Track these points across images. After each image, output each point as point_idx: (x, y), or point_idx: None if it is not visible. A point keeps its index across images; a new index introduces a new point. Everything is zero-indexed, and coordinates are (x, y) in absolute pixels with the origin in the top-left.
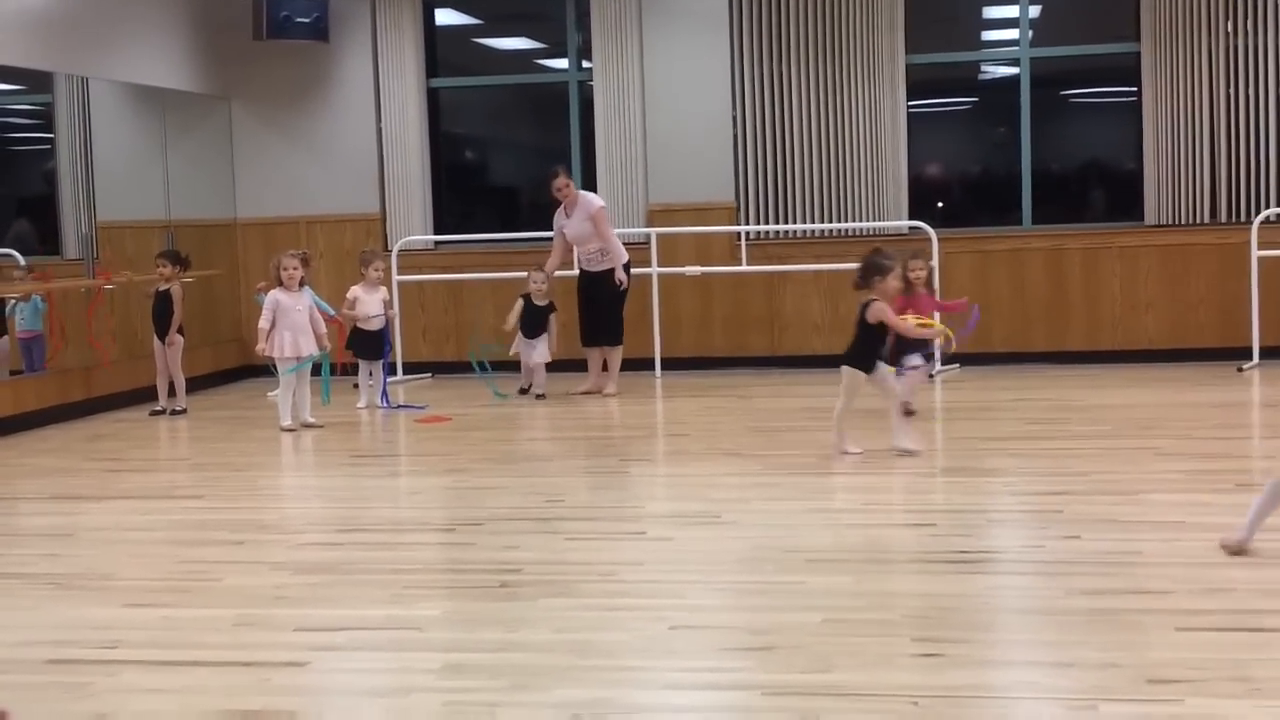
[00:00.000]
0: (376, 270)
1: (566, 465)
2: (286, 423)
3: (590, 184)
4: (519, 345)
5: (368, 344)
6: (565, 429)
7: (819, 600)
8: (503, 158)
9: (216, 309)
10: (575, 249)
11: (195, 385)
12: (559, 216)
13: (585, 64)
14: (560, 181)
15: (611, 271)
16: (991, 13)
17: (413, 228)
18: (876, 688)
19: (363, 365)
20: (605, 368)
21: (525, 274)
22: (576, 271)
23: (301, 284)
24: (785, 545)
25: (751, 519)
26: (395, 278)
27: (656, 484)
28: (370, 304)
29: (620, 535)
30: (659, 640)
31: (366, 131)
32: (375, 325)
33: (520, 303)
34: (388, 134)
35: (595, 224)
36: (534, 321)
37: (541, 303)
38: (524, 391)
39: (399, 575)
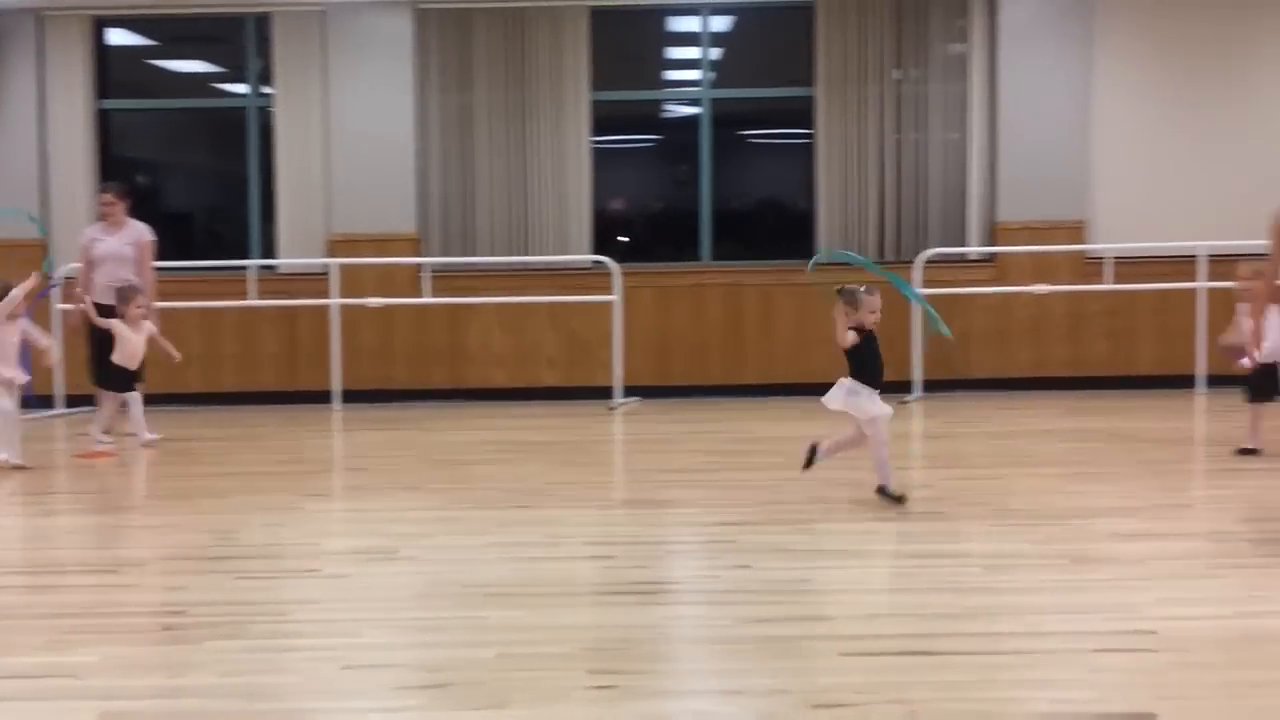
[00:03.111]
0: (139, 308)
1: (239, 501)
2: None
3: (270, 212)
4: (847, 397)
5: (126, 380)
6: (239, 464)
7: (496, 635)
8: (178, 183)
9: None
10: (95, 275)
11: None
12: (93, 231)
13: (266, 89)
14: (107, 199)
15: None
16: (674, 53)
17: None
18: None
19: (113, 398)
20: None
21: (862, 291)
22: (87, 303)
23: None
24: (463, 580)
25: (430, 554)
26: (58, 306)
27: (333, 520)
28: (137, 344)
29: (294, 573)
30: (331, 681)
31: (28, 153)
32: (135, 364)
33: (854, 337)
34: (54, 156)
35: (141, 254)
36: (877, 360)
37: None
38: (887, 493)
39: (55, 620)
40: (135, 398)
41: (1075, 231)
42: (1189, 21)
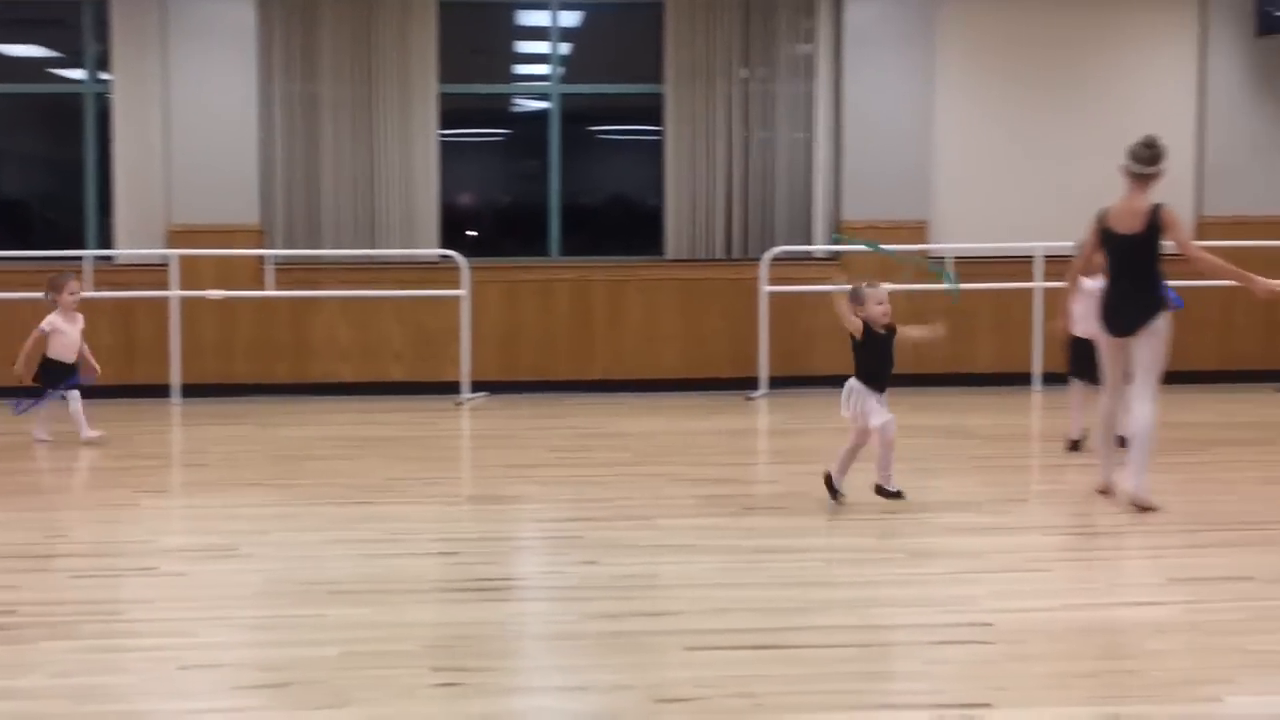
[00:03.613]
0: (72, 294)
1: (73, 498)
2: None
3: (107, 202)
4: (850, 398)
5: (64, 375)
6: (73, 460)
7: (338, 633)
8: (11, 170)
9: None
10: None
11: None
12: None
13: (104, 75)
14: None
15: None
16: (524, 47)
17: None
18: None
19: (52, 393)
20: None
21: (864, 286)
22: None
23: None
24: (304, 577)
25: (270, 551)
26: None
27: (171, 517)
28: (72, 334)
29: (129, 571)
30: (168, 681)
31: None
32: (73, 356)
33: (858, 323)
34: None
35: None
36: (886, 359)
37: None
38: (886, 492)
39: None
40: (74, 395)
41: (917, 231)
42: (1028, 27)
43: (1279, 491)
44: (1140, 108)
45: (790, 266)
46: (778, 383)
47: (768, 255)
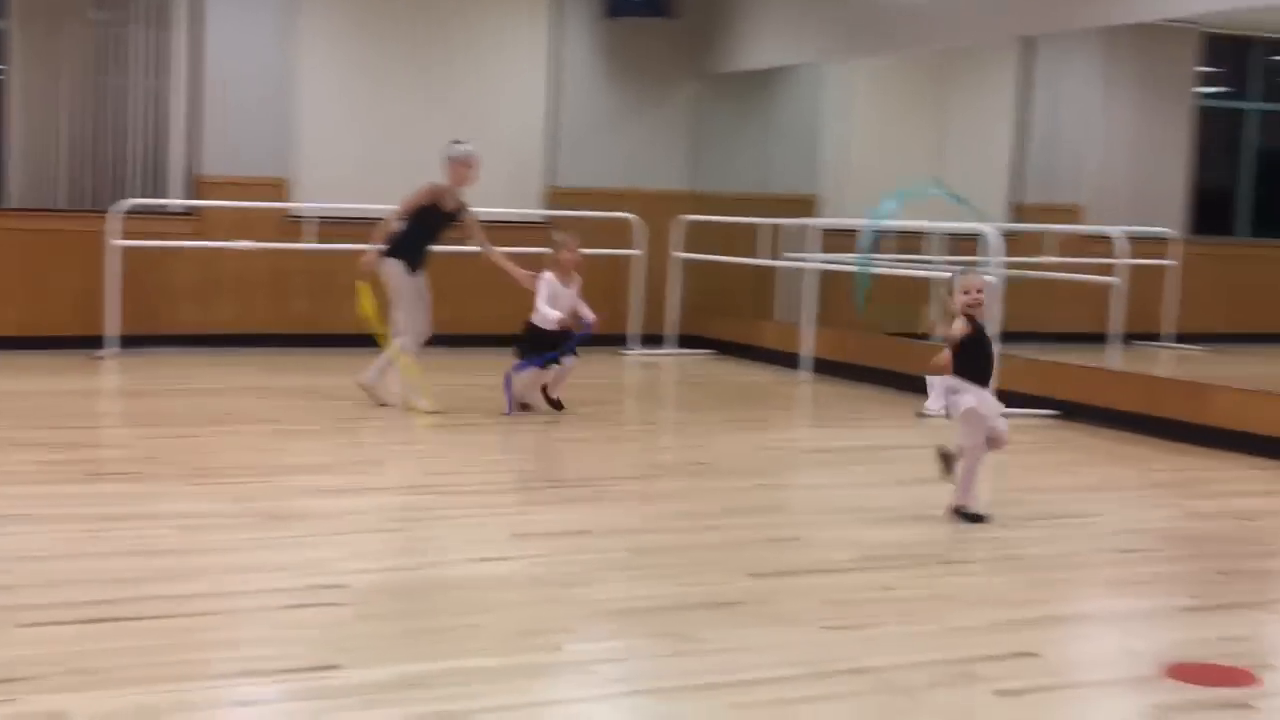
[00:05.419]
0: None
1: None
2: None
3: None
4: (949, 397)
5: None
6: None
7: None
8: None
9: None
10: None
11: None
12: None
13: None
14: None
15: None
16: None
17: None
18: None
19: None
20: None
21: (958, 272)
22: None
23: None
24: None
25: None
26: None
27: None
28: None
29: None
30: None
31: None
32: None
33: (962, 326)
34: None
35: None
36: (982, 351)
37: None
38: (965, 514)
39: None
40: None
41: (277, 189)
42: None
43: (616, 450)
44: (496, 80)
45: (144, 220)
46: (130, 341)
47: (118, 207)
